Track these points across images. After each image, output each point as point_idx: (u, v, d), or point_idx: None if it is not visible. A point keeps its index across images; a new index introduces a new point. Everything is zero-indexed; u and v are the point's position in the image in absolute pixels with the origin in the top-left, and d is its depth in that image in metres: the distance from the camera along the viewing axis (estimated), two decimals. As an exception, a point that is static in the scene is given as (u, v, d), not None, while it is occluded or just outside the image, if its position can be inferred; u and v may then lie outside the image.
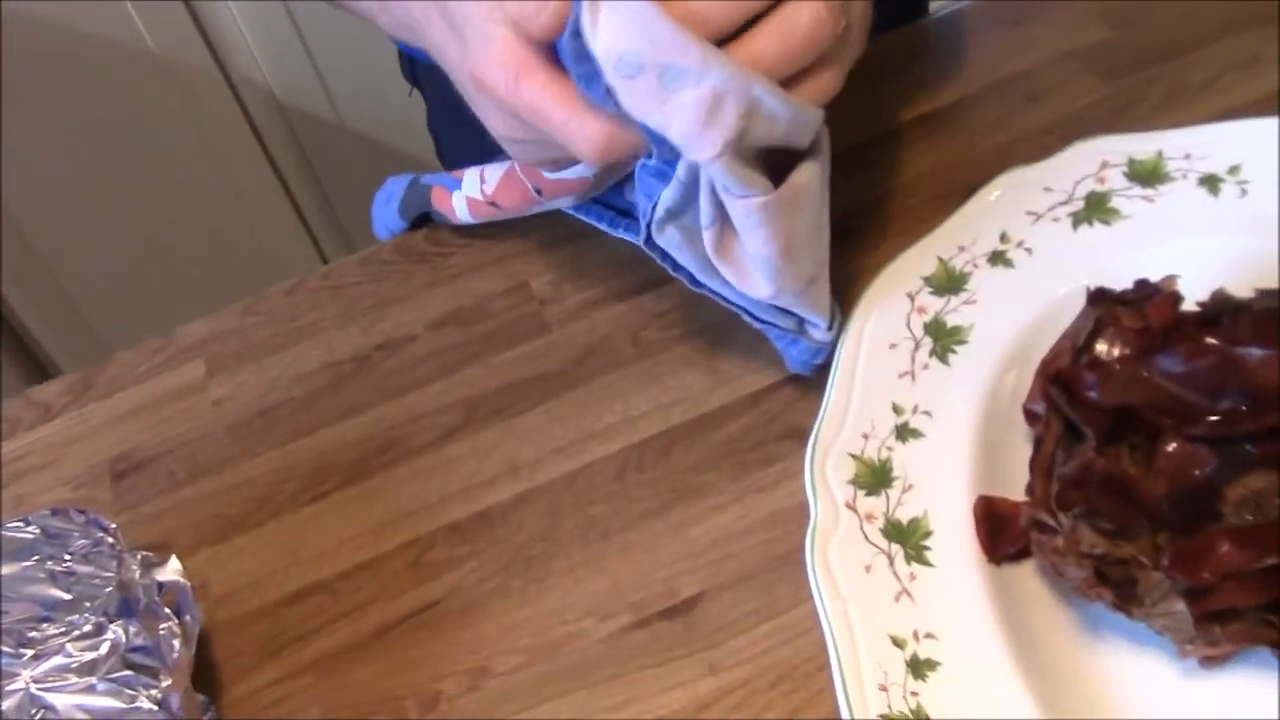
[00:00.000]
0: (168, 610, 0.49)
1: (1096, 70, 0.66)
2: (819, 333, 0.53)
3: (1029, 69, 0.68)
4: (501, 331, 0.63)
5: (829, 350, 0.53)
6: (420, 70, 0.85)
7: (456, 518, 0.56)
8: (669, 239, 0.51)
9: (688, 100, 0.41)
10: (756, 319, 0.54)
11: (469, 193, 0.63)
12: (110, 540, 0.50)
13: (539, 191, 0.60)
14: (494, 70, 0.44)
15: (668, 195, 0.49)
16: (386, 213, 0.68)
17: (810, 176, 0.46)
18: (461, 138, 0.67)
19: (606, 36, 0.41)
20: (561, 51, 0.43)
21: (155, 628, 0.47)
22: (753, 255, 0.49)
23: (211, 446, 0.61)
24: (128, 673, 0.45)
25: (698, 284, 0.53)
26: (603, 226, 0.62)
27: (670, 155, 0.46)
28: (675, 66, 0.40)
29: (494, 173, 0.62)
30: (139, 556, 0.51)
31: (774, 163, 0.46)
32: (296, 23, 1.46)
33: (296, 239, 1.64)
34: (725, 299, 0.54)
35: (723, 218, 0.48)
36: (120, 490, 0.60)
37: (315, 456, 0.59)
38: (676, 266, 0.53)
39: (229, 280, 1.43)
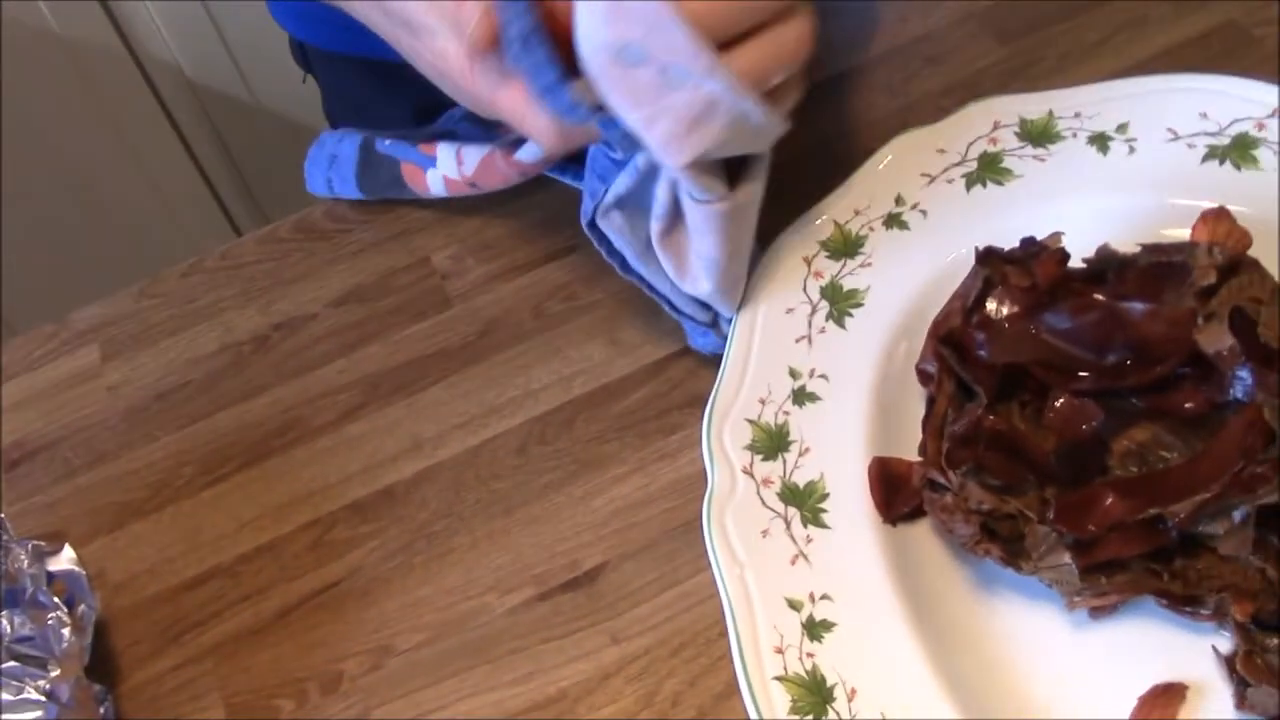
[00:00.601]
0: (56, 599, 0.48)
1: (994, 32, 0.66)
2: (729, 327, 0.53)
3: (929, 32, 0.68)
4: (403, 308, 0.62)
5: None
6: (312, 55, 0.84)
7: (358, 496, 0.55)
8: (611, 222, 0.50)
9: (682, 100, 0.42)
10: (675, 309, 0.53)
11: (445, 172, 0.61)
12: (-4, 531, 0.49)
13: (521, 175, 0.59)
14: (447, 60, 0.45)
15: (621, 182, 0.48)
16: (332, 174, 0.66)
17: (761, 183, 0.47)
18: (357, 125, 0.66)
19: (615, 24, 0.40)
20: (514, 65, 0.42)
21: (43, 618, 0.46)
22: (700, 254, 0.49)
23: (107, 432, 0.60)
24: (13, 664, 0.44)
25: (628, 270, 0.52)
26: (566, 180, 0.61)
27: (630, 150, 0.46)
28: (680, 66, 0.41)
29: (472, 155, 0.60)
30: (29, 546, 0.50)
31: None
32: (206, 2, 1.43)
33: (212, 219, 1.62)
34: (651, 287, 0.53)
35: (675, 213, 0.48)
36: (14, 479, 0.59)
37: (214, 439, 0.58)
38: (611, 251, 0.52)
39: (144, 261, 1.40)
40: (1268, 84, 0.54)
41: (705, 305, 0.53)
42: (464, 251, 0.63)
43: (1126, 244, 0.49)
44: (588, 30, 0.41)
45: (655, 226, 0.49)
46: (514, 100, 0.44)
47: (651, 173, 0.47)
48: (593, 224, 0.50)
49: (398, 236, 0.65)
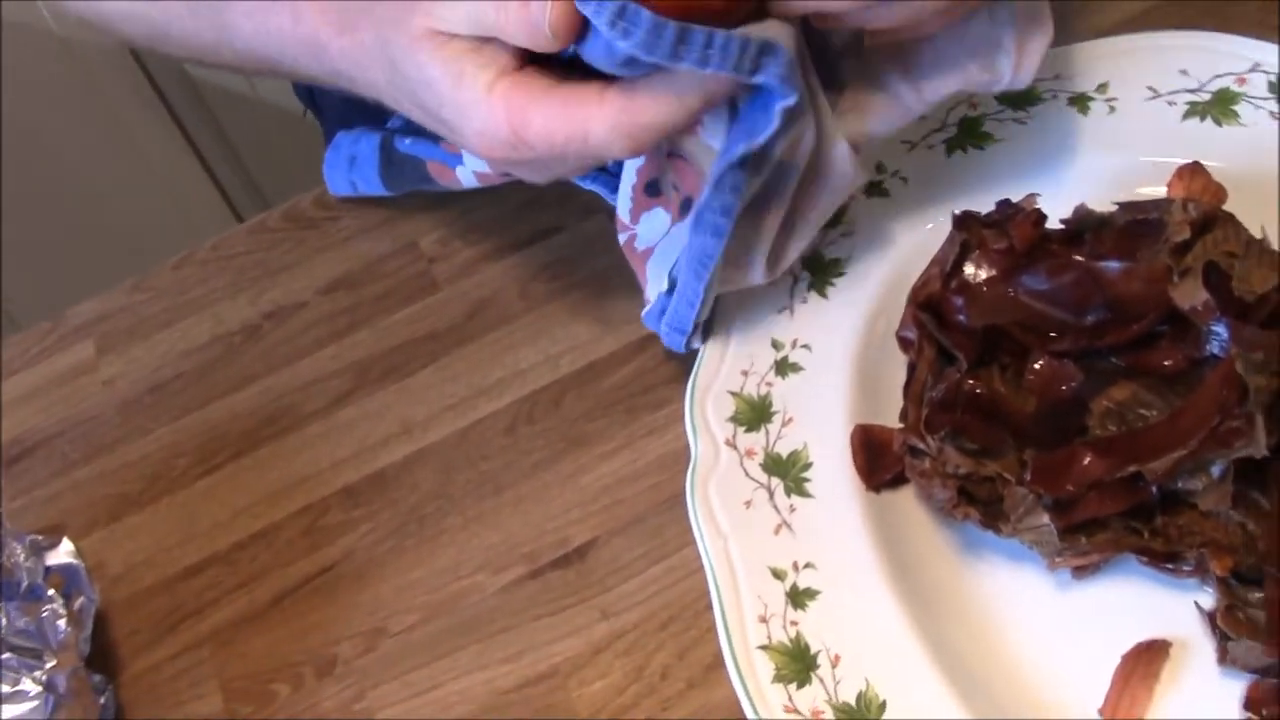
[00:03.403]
0: (52, 592, 0.48)
1: (976, -4, 0.66)
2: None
3: (911, -2, 0.67)
4: (391, 293, 0.62)
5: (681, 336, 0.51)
6: (317, 93, 0.83)
7: (350, 481, 0.56)
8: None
9: None
10: (702, 301, 0.49)
11: (474, 167, 0.59)
12: (-8, 526, 0.50)
13: None
14: (490, 142, 0.42)
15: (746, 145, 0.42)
16: (354, 176, 0.64)
17: None
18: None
19: None
20: (592, 55, 0.39)
21: (37, 610, 0.47)
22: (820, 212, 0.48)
23: (103, 426, 0.60)
24: (9, 656, 0.45)
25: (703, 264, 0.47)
26: (594, 188, 0.58)
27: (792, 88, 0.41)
28: None
29: None
30: (27, 540, 0.51)
31: None
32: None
33: (216, 210, 1.62)
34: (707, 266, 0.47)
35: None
36: (14, 475, 0.59)
37: (207, 430, 0.59)
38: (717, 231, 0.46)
39: (151, 253, 1.41)
40: (1248, 39, 0.54)
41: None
42: (450, 235, 0.63)
43: (1105, 203, 0.49)
44: None
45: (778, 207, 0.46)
46: (571, 126, 0.40)
47: (784, 130, 0.42)
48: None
49: (385, 223, 0.65)
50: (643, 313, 0.52)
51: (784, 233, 0.48)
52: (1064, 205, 0.50)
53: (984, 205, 0.51)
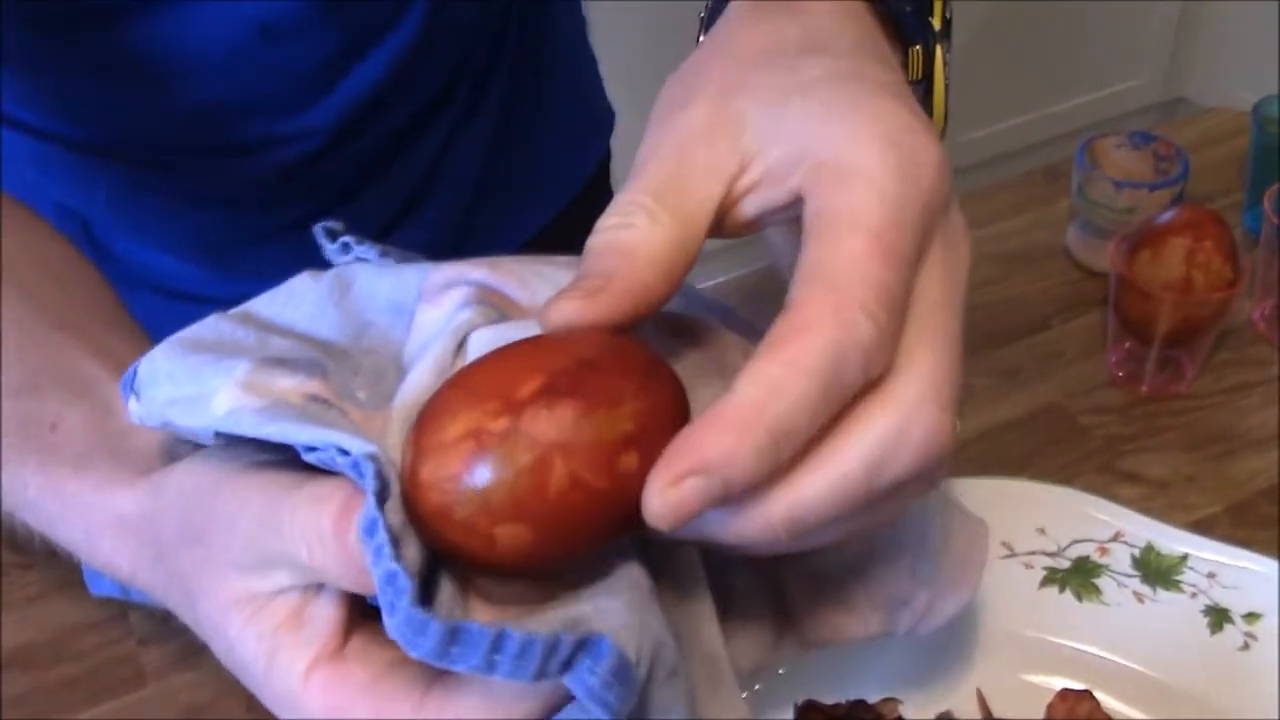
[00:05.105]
0: None
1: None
2: None
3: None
4: (84, 680, 0.50)
5: None
6: None
7: None
8: None
9: None
10: None
11: None
12: None
13: None
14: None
15: None
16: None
17: None
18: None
19: None
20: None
21: None
22: None
23: None
24: None
25: None
26: None
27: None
28: None
29: None
30: None
31: None
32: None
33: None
34: None
35: None
36: None
37: None
38: None
39: None
40: (1109, 503, 0.49)
41: None
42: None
43: (957, 678, 0.42)
44: None
45: None
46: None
47: None
48: None
49: (91, 581, 0.53)
50: None
51: None
52: (910, 670, 0.43)
53: (823, 673, 0.43)
